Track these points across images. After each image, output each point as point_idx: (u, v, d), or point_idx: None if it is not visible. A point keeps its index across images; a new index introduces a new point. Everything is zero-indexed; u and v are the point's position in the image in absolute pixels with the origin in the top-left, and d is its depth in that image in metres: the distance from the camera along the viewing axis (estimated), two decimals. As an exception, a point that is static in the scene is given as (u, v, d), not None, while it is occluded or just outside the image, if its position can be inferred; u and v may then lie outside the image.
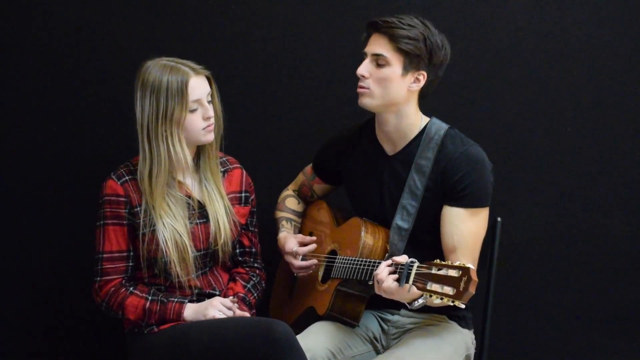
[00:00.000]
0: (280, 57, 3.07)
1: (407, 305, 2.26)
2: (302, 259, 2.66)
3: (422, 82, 2.45)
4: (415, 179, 2.48)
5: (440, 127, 2.51)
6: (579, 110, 3.07)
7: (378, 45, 2.43)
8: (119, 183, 2.55)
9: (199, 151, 2.62)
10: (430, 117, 2.56)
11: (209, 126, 2.54)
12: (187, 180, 2.61)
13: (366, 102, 2.48)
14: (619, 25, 3.03)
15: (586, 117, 3.07)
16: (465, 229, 2.42)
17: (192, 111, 2.50)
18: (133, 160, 2.59)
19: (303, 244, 2.68)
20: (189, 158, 2.54)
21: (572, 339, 3.13)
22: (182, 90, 2.47)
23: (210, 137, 2.56)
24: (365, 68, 2.45)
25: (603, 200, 3.09)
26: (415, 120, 2.52)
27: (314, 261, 2.65)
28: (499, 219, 2.66)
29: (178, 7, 3.04)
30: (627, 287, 3.11)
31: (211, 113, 2.54)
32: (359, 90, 2.48)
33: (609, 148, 3.08)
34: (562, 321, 3.13)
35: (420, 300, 2.20)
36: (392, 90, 2.44)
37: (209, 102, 2.54)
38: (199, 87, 2.51)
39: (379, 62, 2.43)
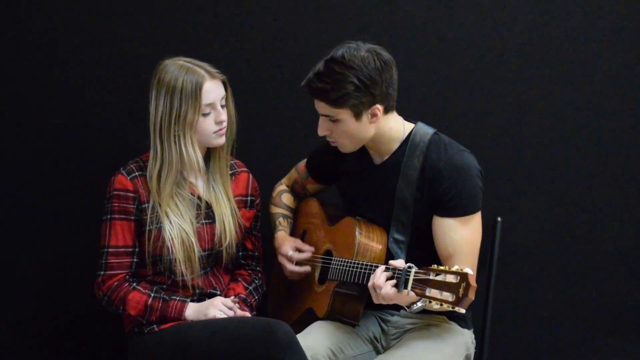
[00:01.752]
0: (283, 59, 3.07)
1: (406, 308, 2.26)
2: (296, 264, 2.66)
3: (381, 112, 2.41)
4: (404, 189, 2.46)
5: (425, 133, 2.48)
6: (579, 110, 3.07)
7: (321, 107, 2.42)
8: (128, 178, 2.55)
9: (209, 153, 2.63)
10: (415, 123, 2.52)
11: (220, 130, 2.55)
12: (196, 180, 2.62)
13: (343, 151, 2.51)
14: (618, 25, 3.03)
15: (586, 116, 3.07)
16: (459, 237, 2.40)
17: (205, 115, 2.51)
18: (143, 157, 2.60)
19: (299, 250, 2.67)
20: (201, 160, 2.55)
21: (572, 339, 3.13)
22: (196, 93, 2.48)
23: (221, 140, 2.57)
24: (323, 128, 2.46)
25: (603, 200, 3.09)
26: (395, 133, 2.49)
27: (307, 268, 2.65)
28: (499, 219, 2.66)
29: (185, 9, 3.04)
30: (627, 287, 3.11)
31: (224, 117, 2.55)
32: (331, 143, 2.50)
33: (608, 148, 3.08)
34: (562, 321, 3.13)
35: (420, 304, 2.19)
36: (357, 135, 2.44)
37: (223, 106, 2.55)
38: (213, 91, 2.51)
39: (331, 119, 2.42)
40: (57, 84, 3.04)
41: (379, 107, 2.40)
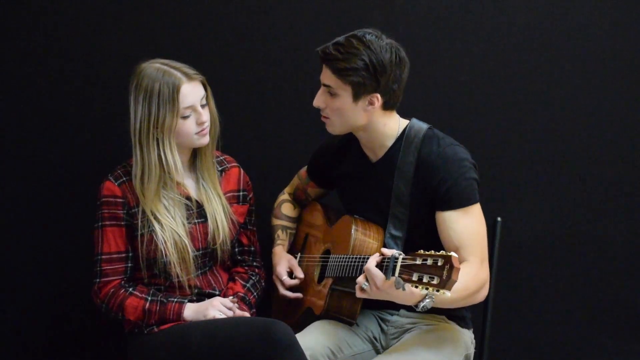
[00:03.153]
0: (279, 55, 3.08)
1: (415, 307, 2.26)
2: (291, 280, 2.69)
3: (378, 103, 2.42)
4: (401, 185, 2.47)
5: (420, 128, 2.49)
6: (579, 111, 3.07)
7: (326, 76, 2.43)
8: (116, 184, 2.55)
9: (196, 151, 2.62)
10: (410, 119, 2.53)
11: (202, 130, 2.54)
12: (184, 180, 2.61)
13: (330, 130, 2.51)
14: (618, 25, 3.03)
15: (586, 117, 3.07)
16: (462, 228, 2.40)
17: (185, 117, 2.50)
18: (130, 161, 2.59)
19: (292, 272, 2.69)
20: (179, 164, 2.54)
21: (572, 339, 3.13)
22: (173, 98, 2.47)
23: (204, 140, 2.56)
24: (319, 99, 2.46)
25: (603, 200, 3.09)
26: (389, 130, 2.50)
27: (299, 295, 2.67)
28: (499, 218, 2.66)
29: (176, 6, 3.04)
30: (627, 286, 3.11)
31: (205, 118, 2.53)
32: (322, 119, 2.50)
33: (608, 148, 3.08)
34: (562, 321, 3.13)
35: (427, 300, 2.19)
36: (349, 117, 2.44)
37: (203, 105, 2.54)
38: (192, 93, 2.50)
39: (330, 92, 2.43)
40: (43, 90, 3.04)
41: (378, 97, 2.41)
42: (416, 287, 2.12)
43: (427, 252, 2.14)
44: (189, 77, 2.50)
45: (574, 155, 3.08)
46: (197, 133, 2.53)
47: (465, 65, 3.06)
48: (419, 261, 2.13)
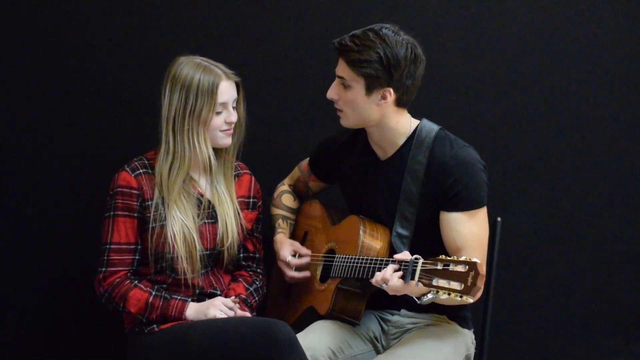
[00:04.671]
0: (282, 58, 3.08)
1: (417, 300, 2.26)
2: (296, 269, 2.67)
3: (391, 97, 2.43)
4: (410, 184, 2.47)
5: (431, 129, 2.50)
6: (578, 111, 3.08)
7: (340, 68, 2.44)
8: (132, 175, 2.56)
9: (215, 154, 2.63)
10: (420, 119, 2.54)
11: (228, 130, 2.57)
12: (200, 179, 2.63)
13: (343, 123, 2.52)
14: (618, 25, 3.04)
15: (585, 117, 3.08)
16: (467, 231, 2.41)
17: (217, 113, 2.53)
18: (147, 155, 2.61)
19: (297, 254, 2.68)
20: (213, 157, 2.57)
21: (572, 339, 3.14)
22: (212, 91, 2.51)
23: (227, 141, 2.58)
24: (332, 91, 2.48)
25: (603, 200, 3.09)
26: (401, 128, 2.50)
27: (307, 274, 2.66)
28: (499, 219, 2.66)
29: (182, 10, 3.05)
30: (627, 287, 3.11)
31: (234, 118, 2.57)
32: (337, 112, 2.51)
33: (608, 148, 3.08)
34: (562, 321, 3.13)
35: (430, 295, 2.19)
36: (362, 110, 2.45)
37: (234, 107, 2.58)
38: (228, 91, 2.54)
39: (344, 83, 2.44)
40: (60, 81, 3.04)
41: (391, 92, 2.42)
42: (437, 292, 2.12)
43: (448, 258, 2.15)
44: (228, 76, 2.56)
45: (574, 156, 3.09)
46: (222, 131, 2.56)
47: (464, 66, 3.06)
48: (440, 266, 2.14)
